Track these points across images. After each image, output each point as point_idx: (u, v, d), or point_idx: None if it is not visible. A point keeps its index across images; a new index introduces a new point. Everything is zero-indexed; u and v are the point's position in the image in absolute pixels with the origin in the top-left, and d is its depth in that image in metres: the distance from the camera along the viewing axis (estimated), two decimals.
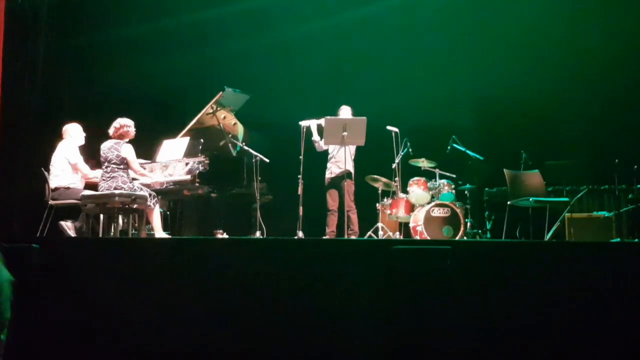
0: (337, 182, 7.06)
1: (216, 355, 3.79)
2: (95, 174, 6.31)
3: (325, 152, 7.30)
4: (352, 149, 7.09)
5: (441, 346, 3.68)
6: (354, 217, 7.07)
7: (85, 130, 6.54)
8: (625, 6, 8.16)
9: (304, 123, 6.88)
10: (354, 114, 7.13)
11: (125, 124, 6.08)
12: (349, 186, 7.06)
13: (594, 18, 8.20)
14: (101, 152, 6.05)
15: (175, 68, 8.55)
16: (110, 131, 6.10)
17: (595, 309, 3.69)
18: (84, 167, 6.35)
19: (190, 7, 8.65)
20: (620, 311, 3.66)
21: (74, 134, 6.44)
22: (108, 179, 5.93)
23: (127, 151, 6.01)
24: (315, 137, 7.07)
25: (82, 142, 6.50)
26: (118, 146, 6.00)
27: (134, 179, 6.17)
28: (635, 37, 8.00)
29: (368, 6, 8.74)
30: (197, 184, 6.48)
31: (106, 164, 5.98)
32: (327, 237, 6.98)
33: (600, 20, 8.18)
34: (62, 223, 6.07)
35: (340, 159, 6.97)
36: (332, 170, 7.13)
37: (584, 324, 3.67)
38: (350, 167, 7.09)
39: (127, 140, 6.10)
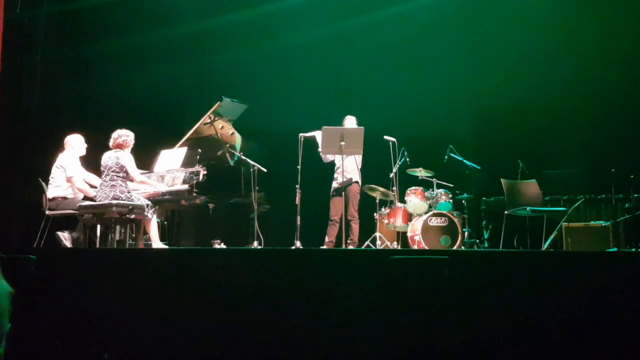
0: (342, 191, 7.07)
1: None
2: (90, 190, 6.27)
3: (326, 163, 7.31)
4: (358, 158, 7.11)
5: (439, 356, 3.67)
6: (355, 227, 7.07)
7: (84, 141, 6.55)
8: (622, 18, 8.20)
9: (307, 134, 6.85)
10: (358, 124, 7.17)
11: (123, 134, 6.11)
12: (354, 195, 7.09)
13: (590, 29, 8.24)
14: (102, 161, 6.06)
15: (174, 78, 8.57)
16: (110, 143, 6.12)
17: (593, 318, 3.68)
18: (79, 181, 6.25)
19: (187, 17, 8.69)
20: (618, 320, 3.66)
21: (75, 145, 6.43)
22: (106, 187, 5.93)
23: (127, 159, 6.02)
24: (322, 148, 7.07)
25: (83, 152, 6.49)
26: (118, 154, 6.02)
27: (134, 190, 6.18)
28: (632, 48, 8.04)
29: (366, 17, 8.78)
30: (195, 194, 6.48)
31: (106, 172, 5.99)
32: (325, 246, 6.98)
33: (596, 32, 8.22)
34: (59, 234, 6.06)
35: (347, 169, 6.99)
36: (339, 179, 7.11)
37: (582, 333, 3.67)
38: (357, 176, 7.12)
39: (127, 149, 6.11)
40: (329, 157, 7.19)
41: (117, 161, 5.97)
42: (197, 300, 3.88)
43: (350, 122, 7.26)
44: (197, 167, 6.59)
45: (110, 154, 6.06)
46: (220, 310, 3.85)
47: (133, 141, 6.17)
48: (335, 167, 7.26)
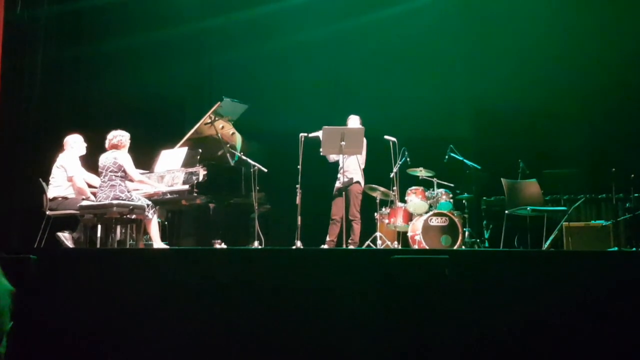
0: (344, 191, 7.08)
1: None
2: (87, 191, 6.27)
3: (331, 163, 7.31)
4: (360, 158, 7.11)
5: (439, 356, 3.67)
6: (356, 227, 7.08)
7: (83, 140, 6.55)
8: (622, 20, 8.21)
9: (311, 135, 6.85)
10: (362, 123, 7.18)
11: (117, 134, 6.11)
12: (356, 196, 7.10)
13: (590, 30, 8.25)
14: (99, 163, 6.06)
15: (174, 78, 8.57)
16: (106, 144, 6.13)
17: (593, 318, 3.68)
18: (79, 180, 6.27)
19: (188, 17, 8.69)
20: (619, 320, 3.66)
21: (74, 144, 6.44)
22: (106, 187, 5.93)
23: (124, 158, 6.02)
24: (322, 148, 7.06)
25: (83, 152, 6.51)
26: (115, 154, 6.02)
27: (134, 190, 6.17)
28: (632, 48, 8.04)
29: (366, 17, 8.78)
30: (195, 194, 6.48)
31: (104, 172, 5.99)
32: (325, 246, 6.98)
33: (596, 32, 8.23)
34: (60, 234, 6.05)
35: (348, 169, 7.00)
36: (341, 179, 7.11)
37: (582, 333, 3.67)
38: (359, 176, 7.13)
39: (123, 149, 6.12)
40: (333, 157, 7.19)
41: (114, 161, 5.97)
42: (197, 300, 3.88)
43: (353, 121, 7.26)
44: (197, 167, 6.59)
45: (108, 155, 6.06)
46: (221, 310, 3.85)
47: (129, 141, 6.17)
48: (339, 167, 7.26)
